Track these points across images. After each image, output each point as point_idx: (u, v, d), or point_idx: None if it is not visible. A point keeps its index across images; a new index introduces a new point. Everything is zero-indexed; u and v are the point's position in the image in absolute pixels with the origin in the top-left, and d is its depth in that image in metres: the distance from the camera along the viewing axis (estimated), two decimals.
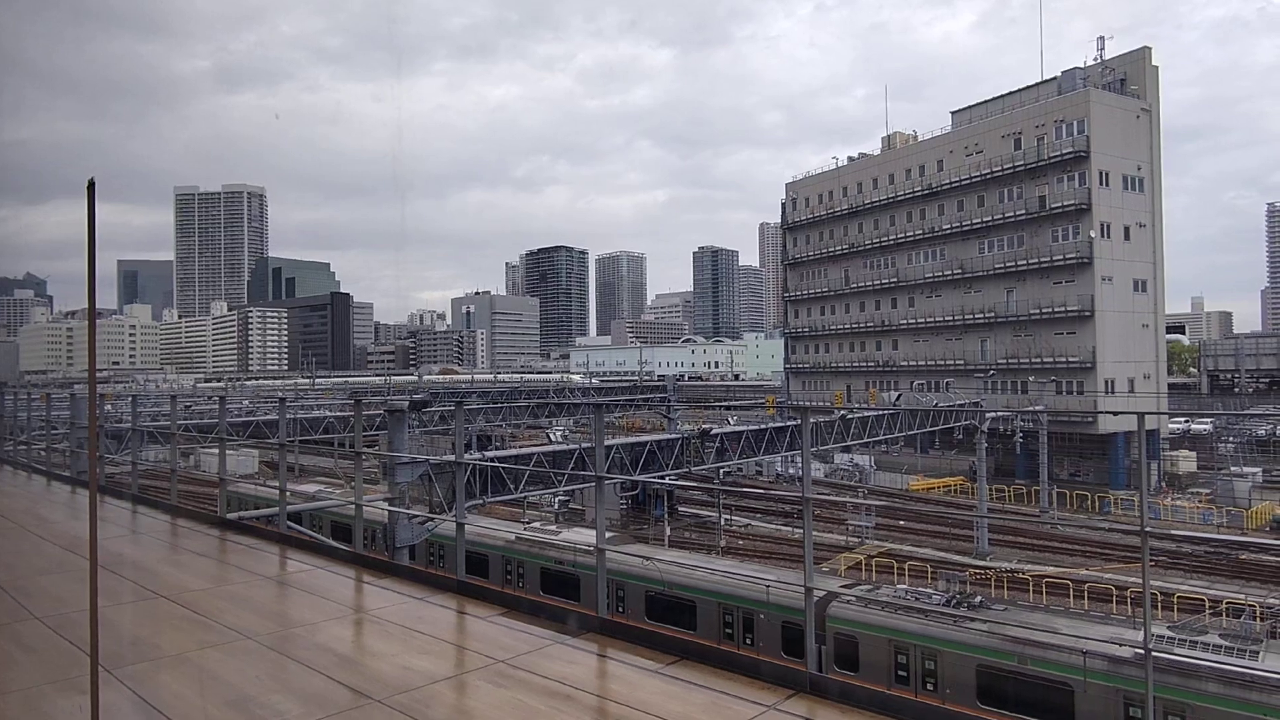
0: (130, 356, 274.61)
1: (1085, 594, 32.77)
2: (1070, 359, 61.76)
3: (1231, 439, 63.23)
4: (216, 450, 12.32)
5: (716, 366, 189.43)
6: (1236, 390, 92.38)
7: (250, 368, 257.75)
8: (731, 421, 46.96)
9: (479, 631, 6.52)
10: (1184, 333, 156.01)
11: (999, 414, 55.58)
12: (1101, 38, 68.11)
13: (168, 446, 21.12)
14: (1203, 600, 30.97)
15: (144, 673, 5.52)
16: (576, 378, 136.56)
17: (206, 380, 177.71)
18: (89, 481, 4.51)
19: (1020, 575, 35.89)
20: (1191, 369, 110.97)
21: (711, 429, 36.44)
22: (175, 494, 12.36)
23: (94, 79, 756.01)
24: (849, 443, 45.24)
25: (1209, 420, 72.30)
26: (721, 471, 44.99)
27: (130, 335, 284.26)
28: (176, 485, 12.64)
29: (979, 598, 24.87)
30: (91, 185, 3.11)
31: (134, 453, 14.46)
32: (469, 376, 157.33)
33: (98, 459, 3.78)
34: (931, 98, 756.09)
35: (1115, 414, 40.56)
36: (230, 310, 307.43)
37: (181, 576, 8.48)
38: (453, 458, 8.89)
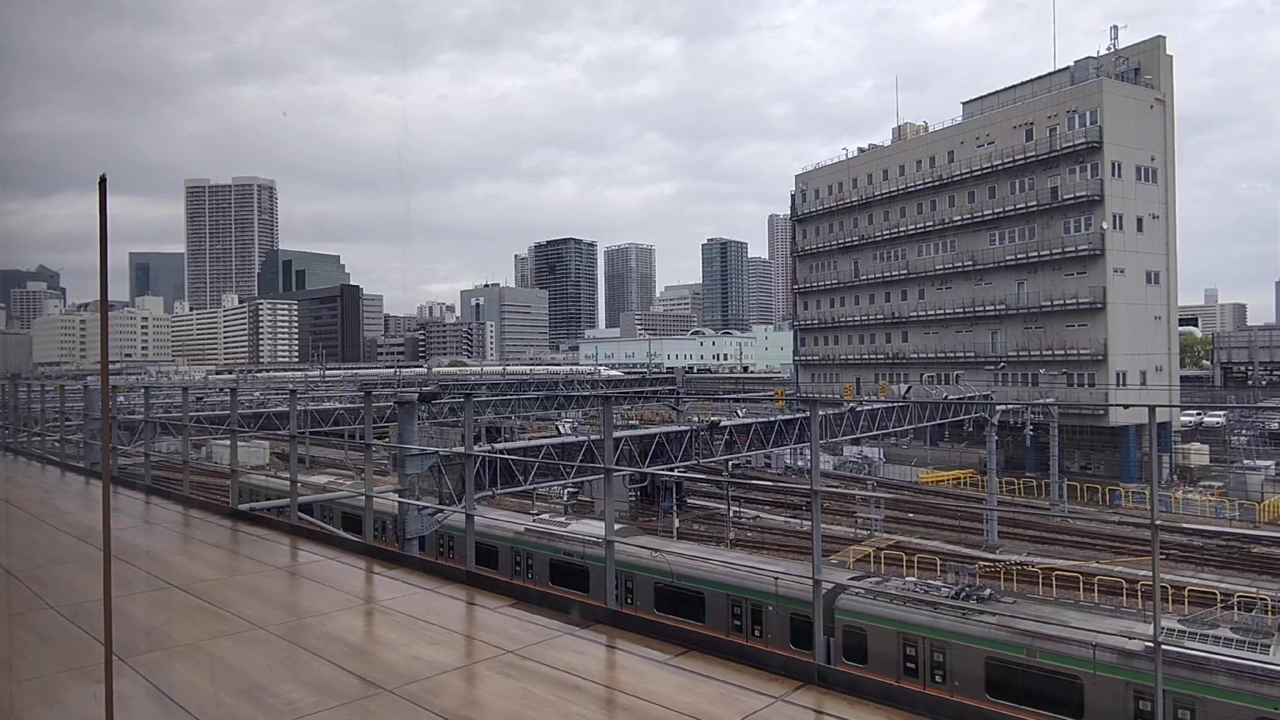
0: (142, 348, 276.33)
1: (1095, 587, 32.68)
2: (1081, 351, 61.40)
3: (1244, 432, 62.85)
4: (228, 442, 12.39)
5: (725, 358, 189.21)
6: (1250, 383, 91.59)
7: (261, 359, 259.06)
8: (740, 414, 46.93)
9: (488, 622, 6.56)
10: (1197, 325, 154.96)
11: (1009, 406, 55.41)
12: (1115, 26, 67.52)
13: (180, 438, 21.28)
14: (1214, 594, 30.84)
15: (157, 661, 5.58)
16: (605, 369, 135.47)
17: (218, 372, 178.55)
18: (102, 472, 4.55)
19: (1030, 568, 35.79)
20: (1204, 361, 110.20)
21: (720, 421, 36.42)
22: (187, 485, 12.45)
23: (97, 70, 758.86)
24: (858, 435, 45.18)
25: (1222, 413, 71.84)
26: (730, 464, 44.99)
27: (142, 327, 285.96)
28: (189, 476, 12.72)
29: (988, 590, 24.85)
30: (103, 181, 3.13)
31: (147, 444, 14.56)
32: (478, 369, 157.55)
33: (111, 450, 3.81)
34: (939, 90, 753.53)
35: (1126, 406, 40.25)
36: (241, 302, 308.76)
37: (194, 566, 8.55)
38: (462, 449, 8.92)
